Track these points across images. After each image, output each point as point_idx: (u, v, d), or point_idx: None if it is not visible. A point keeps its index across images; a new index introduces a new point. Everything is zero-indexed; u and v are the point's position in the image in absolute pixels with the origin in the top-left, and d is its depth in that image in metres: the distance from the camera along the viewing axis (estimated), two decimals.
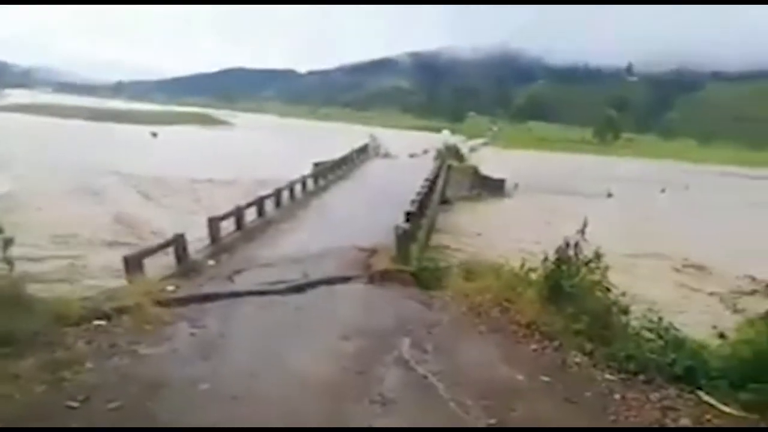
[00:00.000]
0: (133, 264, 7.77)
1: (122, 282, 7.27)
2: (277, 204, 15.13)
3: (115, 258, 8.88)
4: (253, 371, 4.30)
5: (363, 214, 13.39)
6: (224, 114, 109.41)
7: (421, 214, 13.72)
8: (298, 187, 17.15)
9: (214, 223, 11.25)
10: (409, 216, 11.20)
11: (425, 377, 4.65)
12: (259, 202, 14.12)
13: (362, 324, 5.87)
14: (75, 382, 3.77)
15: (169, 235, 9.53)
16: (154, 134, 57.74)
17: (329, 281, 7.85)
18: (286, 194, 16.14)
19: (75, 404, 3.48)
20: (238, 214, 12.49)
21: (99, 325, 4.84)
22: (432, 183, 18.53)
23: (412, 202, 12.81)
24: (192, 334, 5.01)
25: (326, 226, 13.14)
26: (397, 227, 9.66)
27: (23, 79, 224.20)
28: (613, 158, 66.64)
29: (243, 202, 13.08)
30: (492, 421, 3.96)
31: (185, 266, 9.26)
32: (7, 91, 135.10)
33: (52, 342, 4.29)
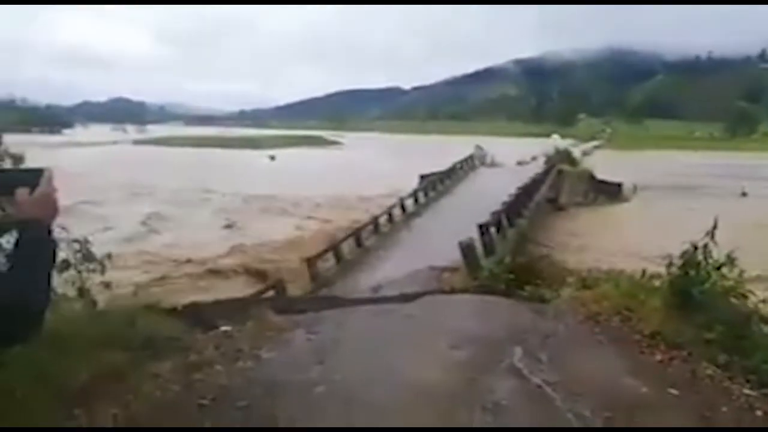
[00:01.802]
0: None
1: None
2: (375, 229, 15.17)
3: None
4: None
5: (454, 229, 12.85)
6: (334, 134, 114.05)
7: (509, 224, 13.26)
8: (396, 211, 17.02)
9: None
10: (482, 228, 10.87)
11: (540, 387, 4.51)
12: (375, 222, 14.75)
13: (472, 332, 5.80)
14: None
15: None
16: (272, 157, 61.51)
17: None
18: (396, 211, 16.44)
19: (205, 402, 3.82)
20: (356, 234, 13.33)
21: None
22: (527, 189, 17.87)
23: (492, 213, 12.34)
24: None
25: (419, 245, 13.09)
26: (460, 243, 9.39)
27: (159, 115, 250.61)
28: (747, 154, 60.21)
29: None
30: None
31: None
32: (147, 126, 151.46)
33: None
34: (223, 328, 5.40)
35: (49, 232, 1.28)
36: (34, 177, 1.26)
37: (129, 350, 4.49)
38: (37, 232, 1.22)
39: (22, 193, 1.21)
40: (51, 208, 1.29)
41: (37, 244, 1.23)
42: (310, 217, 23.94)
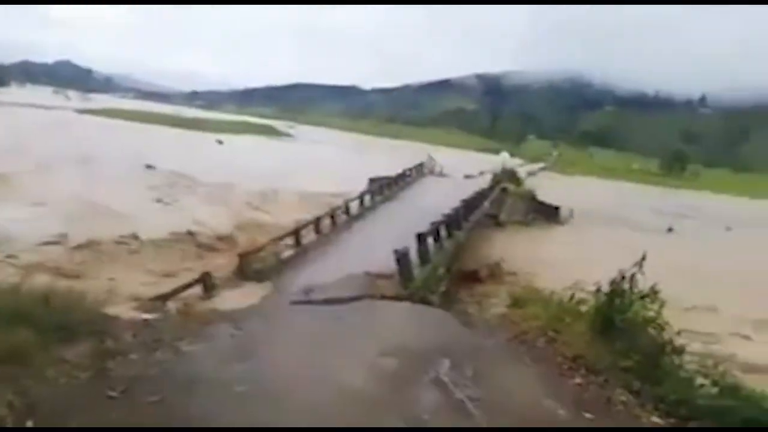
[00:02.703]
0: None
1: None
2: (315, 229, 14.85)
3: None
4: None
5: (395, 236, 12.13)
6: (287, 126, 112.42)
7: (447, 235, 13.44)
8: (339, 212, 16.78)
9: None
10: (420, 237, 11.00)
11: (462, 402, 4.55)
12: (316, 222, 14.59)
13: (401, 341, 5.79)
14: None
15: None
16: (220, 142, 60.12)
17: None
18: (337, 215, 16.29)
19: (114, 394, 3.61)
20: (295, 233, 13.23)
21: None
22: (469, 202, 18.18)
23: (432, 223, 12.48)
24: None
25: (358, 248, 13.03)
26: (396, 251, 9.46)
27: (105, 85, 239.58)
28: (678, 191, 63.75)
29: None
30: None
31: None
32: (91, 95, 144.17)
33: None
34: (144, 315, 5.16)
35: None
36: None
37: (38, 331, 4.20)
38: None
39: None
40: None
41: None
42: (250, 207, 23.34)
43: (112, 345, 4.34)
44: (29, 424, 3.12)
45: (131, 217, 16.82)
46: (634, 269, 6.23)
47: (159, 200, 22.10)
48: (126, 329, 4.85)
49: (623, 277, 6.25)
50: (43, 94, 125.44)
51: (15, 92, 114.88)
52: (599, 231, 26.77)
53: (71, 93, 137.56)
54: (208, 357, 4.52)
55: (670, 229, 31.68)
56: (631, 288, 6.22)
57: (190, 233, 16.50)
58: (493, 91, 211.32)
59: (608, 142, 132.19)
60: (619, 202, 41.67)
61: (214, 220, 18.56)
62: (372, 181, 24.46)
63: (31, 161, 25.21)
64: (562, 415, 4.55)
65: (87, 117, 71.90)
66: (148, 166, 29.94)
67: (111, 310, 5.69)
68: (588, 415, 4.60)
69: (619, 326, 6.02)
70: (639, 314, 6.14)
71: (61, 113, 71.25)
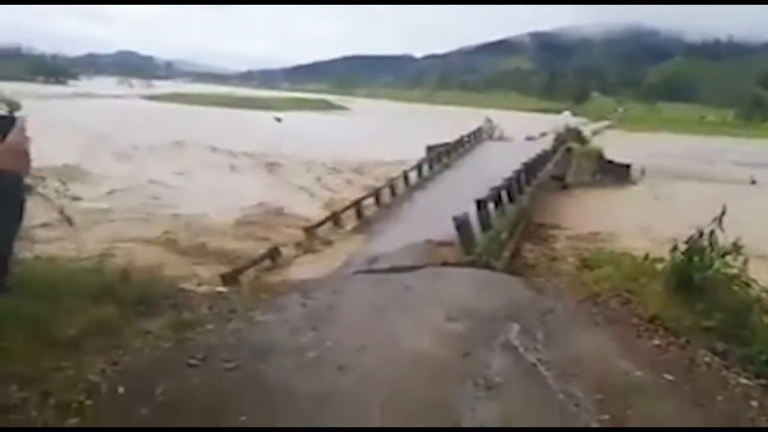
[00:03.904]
0: None
1: None
2: (376, 201, 14.98)
3: None
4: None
5: (455, 204, 12.44)
6: (342, 100, 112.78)
7: (509, 200, 13.09)
8: (399, 182, 16.77)
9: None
10: (480, 203, 10.74)
11: (534, 365, 4.47)
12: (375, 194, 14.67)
13: (468, 306, 5.74)
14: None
15: None
16: (278, 119, 61.05)
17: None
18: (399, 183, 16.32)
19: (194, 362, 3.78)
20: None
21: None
22: (531, 165, 17.61)
23: (492, 188, 12.16)
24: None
25: (418, 217, 12.96)
26: (455, 217, 9.28)
27: (166, 71, 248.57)
28: (759, 141, 59.33)
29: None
30: (605, 417, 3.70)
31: None
32: (154, 82, 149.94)
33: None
34: (219, 288, 5.36)
35: (20, 183, 1.16)
36: (4, 126, 1.14)
37: (121, 305, 4.45)
38: (5, 183, 1.11)
39: None
40: (22, 159, 1.17)
41: (3, 195, 1.11)
42: (320, 182, 23.67)
43: (189, 317, 4.53)
44: (120, 389, 3.31)
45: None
46: (714, 225, 5.90)
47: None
48: (202, 302, 5.05)
49: (701, 234, 5.93)
50: (109, 84, 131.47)
51: (85, 84, 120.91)
52: (674, 188, 25.43)
53: (134, 81, 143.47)
54: (280, 325, 4.65)
55: (753, 182, 29.66)
56: (711, 244, 5.90)
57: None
58: (551, 49, 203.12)
59: (678, 95, 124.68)
60: (695, 157, 39.35)
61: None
62: (429, 148, 24.21)
63: (110, 149, 26.57)
64: (640, 377, 4.38)
65: (152, 103, 74.81)
66: (214, 149, 30.82)
67: (187, 285, 5.97)
68: (668, 377, 4.42)
69: (699, 285, 5.74)
70: (721, 272, 5.83)
71: (128, 101, 74.56)
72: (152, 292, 4.87)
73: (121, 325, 4.16)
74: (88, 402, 3.13)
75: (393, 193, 15.76)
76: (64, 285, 4.51)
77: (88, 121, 38.32)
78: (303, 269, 9.55)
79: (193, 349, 3.94)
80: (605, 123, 67.69)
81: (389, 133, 45.82)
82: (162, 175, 21.45)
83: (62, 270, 5.12)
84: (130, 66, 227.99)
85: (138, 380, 3.45)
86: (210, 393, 3.42)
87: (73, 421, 2.95)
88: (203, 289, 5.75)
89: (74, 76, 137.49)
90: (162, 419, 3.11)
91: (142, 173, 21.41)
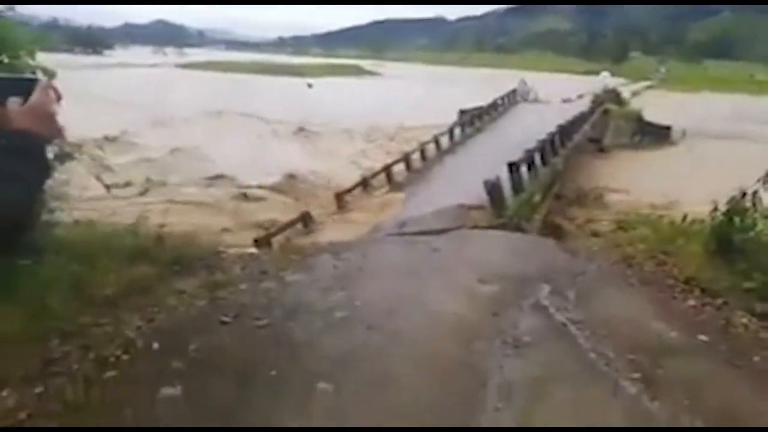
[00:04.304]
0: None
1: None
2: (406, 166, 14.89)
3: None
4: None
5: (487, 167, 11.44)
6: (374, 64, 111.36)
7: (542, 162, 12.78)
8: (430, 146, 16.55)
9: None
10: (512, 166, 10.51)
11: (564, 325, 4.43)
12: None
13: (500, 268, 5.70)
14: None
15: None
16: (310, 85, 60.92)
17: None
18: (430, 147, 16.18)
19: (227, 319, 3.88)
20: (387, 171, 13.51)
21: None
22: (567, 127, 17.11)
23: (525, 151, 11.86)
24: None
25: (449, 181, 12.81)
26: (486, 181, 9.10)
27: (198, 39, 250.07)
28: None
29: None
30: (636, 376, 3.66)
31: None
32: (186, 50, 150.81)
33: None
34: (250, 250, 5.45)
35: (43, 147, 1.16)
36: (27, 86, 1.14)
37: (157, 266, 4.58)
38: (26, 145, 1.11)
39: (13, 102, 1.10)
40: (47, 121, 1.16)
41: (23, 157, 1.11)
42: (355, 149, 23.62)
43: (222, 277, 4.64)
44: (156, 345, 3.44)
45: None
46: (757, 185, 5.67)
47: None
48: (234, 263, 5.16)
49: (744, 194, 5.71)
50: (144, 53, 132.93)
51: (120, 54, 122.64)
52: (717, 149, 24.37)
53: (168, 50, 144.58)
54: (310, 286, 4.73)
55: None
56: (753, 205, 5.68)
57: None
58: (589, 8, 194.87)
59: (725, 52, 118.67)
60: (740, 117, 37.52)
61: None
62: (462, 112, 23.79)
63: (147, 117, 26.96)
64: (674, 338, 4.31)
65: (186, 72, 75.38)
66: (251, 115, 30.81)
67: (221, 247, 6.10)
68: (702, 338, 4.33)
69: (739, 246, 5.56)
70: (764, 233, 5.63)
71: (163, 70, 75.33)
72: (187, 253, 5.00)
73: (156, 284, 4.30)
74: (125, 356, 3.27)
75: (423, 157, 15.63)
76: (102, 247, 4.68)
77: (124, 90, 38.95)
78: (334, 233, 9.64)
79: (226, 308, 4.05)
80: (646, 83, 64.97)
81: (423, 97, 45.12)
82: (201, 143, 21.70)
83: (101, 233, 5.29)
84: (164, 35, 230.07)
85: (172, 337, 3.58)
86: (241, 349, 3.52)
87: (110, 374, 3.08)
88: (236, 251, 5.86)
89: (110, 47, 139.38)
90: (194, 374, 3.22)
91: (186, 141, 21.67)
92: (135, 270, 4.41)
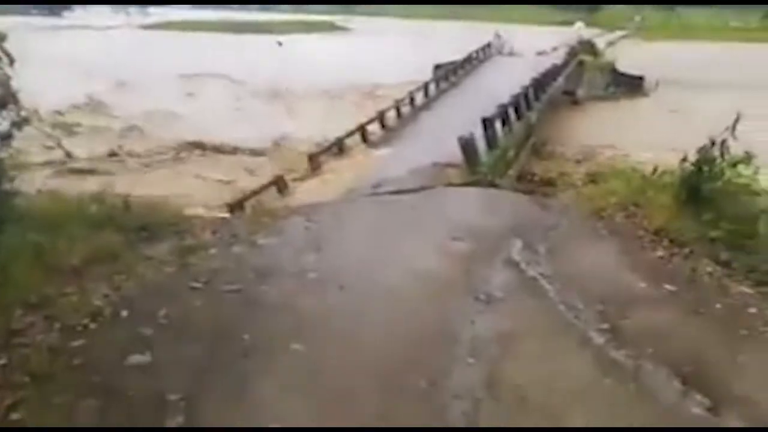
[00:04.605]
0: None
1: None
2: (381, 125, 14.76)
3: None
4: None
5: (462, 123, 11.17)
6: (345, 20, 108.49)
7: (516, 117, 12.75)
8: (405, 104, 16.35)
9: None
10: (486, 122, 10.47)
11: (534, 279, 4.49)
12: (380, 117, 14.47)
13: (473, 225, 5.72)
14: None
15: None
16: (280, 43, 59.31)
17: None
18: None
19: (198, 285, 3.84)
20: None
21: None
22: (540, 80, 17.04)
23: (498, 106, 11.78)
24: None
25: (424, 140, 12.72)
26: (460, 138, 9.06)
27: None
28: None
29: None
30: (604, 326, 3.75)
31: None
32: (150, 8, 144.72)
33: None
34: (221, 214, 5.37)
35: None
36: None
37: (124, 233, 4.48)
38: None
39: None
40: None
41: None
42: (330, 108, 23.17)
43: (192, 242, 4.57)
44: (124, 313, 3.39)
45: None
46: (726, 134, 5.71)
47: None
48: (205, 228, 5.08)
49: (713, 143, 5.76)
50: (105, 13, 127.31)
51: (79, 15, 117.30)
52: (689, 99, 24.55)
53: (131, 9, 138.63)
54: (282, 248, 4.69)
55: None
56: (722, 154, 5.74)
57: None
58: None
59: None
60: (714, 65, 37.69)
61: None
62: (437, 67, 23.48)
63: (112, 81, 25.97)
64: (642, 288, 4.41)
65: (151, 32, 72.55)
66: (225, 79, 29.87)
67: (191, 212, 6.00)
68: (669, 287, 4.43)
69: (708, 196, 5.64)
70: (731, 182, 5.71)
71: (126, 32, 72.38)
72: (155, 220, 4.90)
73: (123, 252, 4.21)
74: (93, 325, 3.22)
75: (399, 115, 15.46)
76: (66, 216, 4.55)
77: (83, 57, 37.38)
78: (308, 195, 9.56)
79: (196, 274, 3.99)
80: (621, 33, 64.50)
81: (398, 53, 44.23)
82: (173, 108, 21.10)
83: (65, 202, 5.14)
84: None
85: (141, 304, 3.53)
86: (212, 315, 3.49)
87: (77, 343, 3.04)
88: (207, 215, 5.77)
89: (69, 7, 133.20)
90: (164, 341, 3.19)
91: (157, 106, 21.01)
92: (101, 238, 4.30)
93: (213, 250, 4.45)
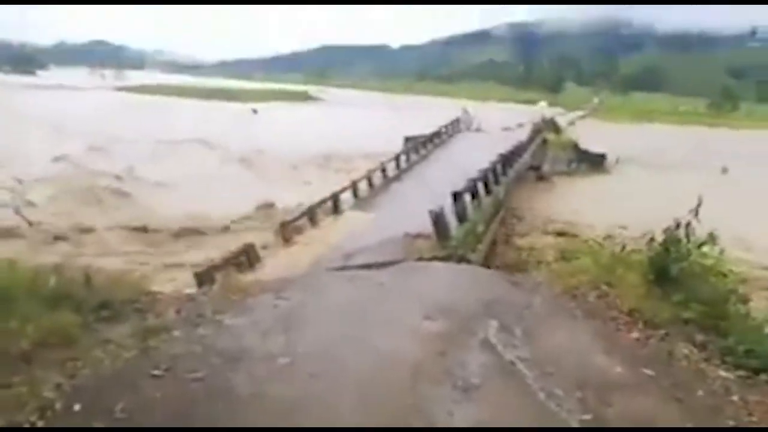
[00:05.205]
0: None
1: None
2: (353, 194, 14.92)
3: None
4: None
5: (433, 196, 11.51)
6: (319, 90, 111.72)
7: (486, 192, 13.03)
8: (376, 175, 16.61)
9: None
10: (456, 196, 10.68)
11: (513, 363, 4.37)
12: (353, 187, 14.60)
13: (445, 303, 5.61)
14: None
15: None
16: (255, 111, 60.48)
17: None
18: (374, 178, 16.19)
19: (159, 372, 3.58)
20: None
21: None
22: (508, 156, 17.62)
23: (468, 180, 12.06)
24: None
25: (396, 210, 12.86)
26: (431, 211, 9.19)
27: (138, 60, 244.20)
28: (730, 131, 60.24)
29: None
30: (587, 417, 3.62)
31: None
32: (126, 72, 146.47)
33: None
34: (187, 290, 5.14)
35: None
36: None
37: (82, 312, 4.22)
38: None
39: None
40: None
41: None
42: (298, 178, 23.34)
43: (155, 322, 4.32)
44: (77, 407, 3.11)
45: None
46: (689, 216, 5.87)
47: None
48: (169, 305, 4.84)
49: (678, 225, 5.91)
50: (80, 74, 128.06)
51: (54, 74, 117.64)
52: (648, 177, 25.70)
53: (106, 72, 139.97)
54: (250, 330, 4.46)
55: (724, 170, 30.07)
56: (687, 235, 5.88)
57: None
58: (526, 40, 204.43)
59: (652, 86, 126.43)
60: (667, 146, 39.78)
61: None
62: (407, 140, 24.08)
63: (84, 143, 25.72)
64: (620, 373, 4.32)
65: (126, 95, 73.03)
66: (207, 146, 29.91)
67: (154, 288, 5.74)
68: (647, 371, 4.36)
69: (676, 276, 5.71)
70: (697, 262, 5.81)
71: (102, 93, 72.69)
72: (117, 296, 4.64)
73: (80, 333, 3.94)
74: (40, 422, 2.92)
75: (371, 185, 15.63)
76: (20, 290, 4.27)
77: (58, 116, 37.17)
78: (278, 267, 9.37)
79: (158, 359, 3.72)
80: (580, 113, 68.08)
81: (370, 125, 45.46)
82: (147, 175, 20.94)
83: (20, 275, 4.85)
84: (102, 55, 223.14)
85: (96, 395, 3.24)
86: (174, 408, 3.22)
87: None
88: (171, 291, 5.51)
89: (44, 66, 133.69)
90: None
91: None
92: (57, 317, 4.02)
93: (177, 332, 4.19)
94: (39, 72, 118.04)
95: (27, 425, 2.88)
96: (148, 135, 30.10)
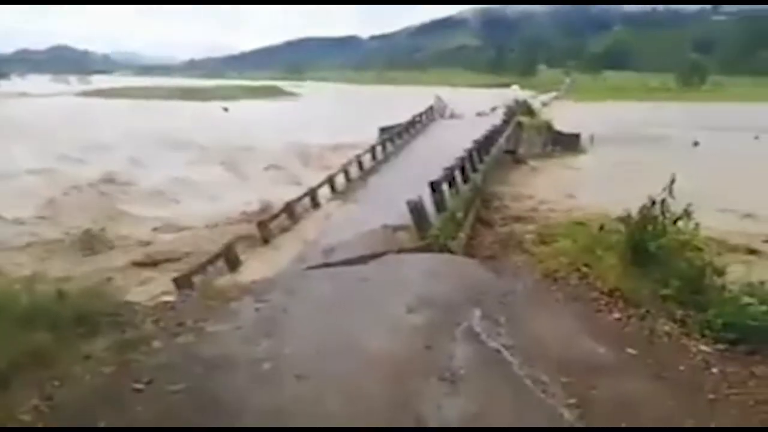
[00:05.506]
0: None
1: None
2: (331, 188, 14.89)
3: None
4: None
5: (410, 186, 11.35)
6: (291, 85, 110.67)
7: (463, 179, 13.07)
8: (353, 167, 16.64)
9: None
10: (433, 185, 10.69)
11: (498, 351, 4.38)
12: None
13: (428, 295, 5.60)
14: None
15: None
16: (225, 109, 59.61)
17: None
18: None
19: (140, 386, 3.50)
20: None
21: None
22: (483, 141, 17.69)
23: (445, 169, 12.06)
24: None
25: (374, 202, 12.83)
26: (409, 202, 9.17)
27: (104, 64, 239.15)
28: (698, 104, 61.27)
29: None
30: (572, 401, 3.65)
31: None
32: (92, 77, 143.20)
33: None
34: (165, 298, 5.04)
35: None
36: None
37: (58, 328, 4.10)
38: None
39: None
40: None
41: None
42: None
43: (134, 334, 4.23)
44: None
45: None
46: (664, 193, 5.94)
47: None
48: (147, 315, 4.74)
49: (653, 202, 5.97)
50: (43, 81, 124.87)
51: (17, 83, 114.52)
52: (623, 154, 26.00)
53: (71, 77, 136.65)
54: (232, 335, 4.39)
55: (696, 143, 30.64)
56: (662, 212, 5.94)
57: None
58: (495, 24, 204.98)
59: (622, 64, 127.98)
60: (640, 123, 40.34)
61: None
62: (383, 130, 24.00)
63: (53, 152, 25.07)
64: (603, 355, 4.37)
65: (93, 100, 71.35)
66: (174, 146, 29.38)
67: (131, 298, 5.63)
68: (630, 351, 4.42)
69: (654, 253, 5.78)
70: (674, 239, 5.88)
71: (67, 99, 70.93)
72: (93, 309, 4.52)
73: (57, 351, 3.83)
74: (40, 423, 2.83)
75: (347, 178, 15.56)
76: None
77: (21, 123, 36.22)
78: (258, 264, 9.29)
79: (138, 373, 3.64)
80: (553, 94, 68.65)
81: (344, 116, 45.21)
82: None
83: None
84: (66, 61, 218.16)
85: (76, 415, 3.15)
86: (157, 422, 3.15)
87: None
88: (149, 300, 5.41)
89: (5, 75, 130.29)
90: None
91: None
92: (32, 335, 3.91)
93: (157, 343, 4.11)
94: (0, 81, 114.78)
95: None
96: (111, 138, 29.50)
